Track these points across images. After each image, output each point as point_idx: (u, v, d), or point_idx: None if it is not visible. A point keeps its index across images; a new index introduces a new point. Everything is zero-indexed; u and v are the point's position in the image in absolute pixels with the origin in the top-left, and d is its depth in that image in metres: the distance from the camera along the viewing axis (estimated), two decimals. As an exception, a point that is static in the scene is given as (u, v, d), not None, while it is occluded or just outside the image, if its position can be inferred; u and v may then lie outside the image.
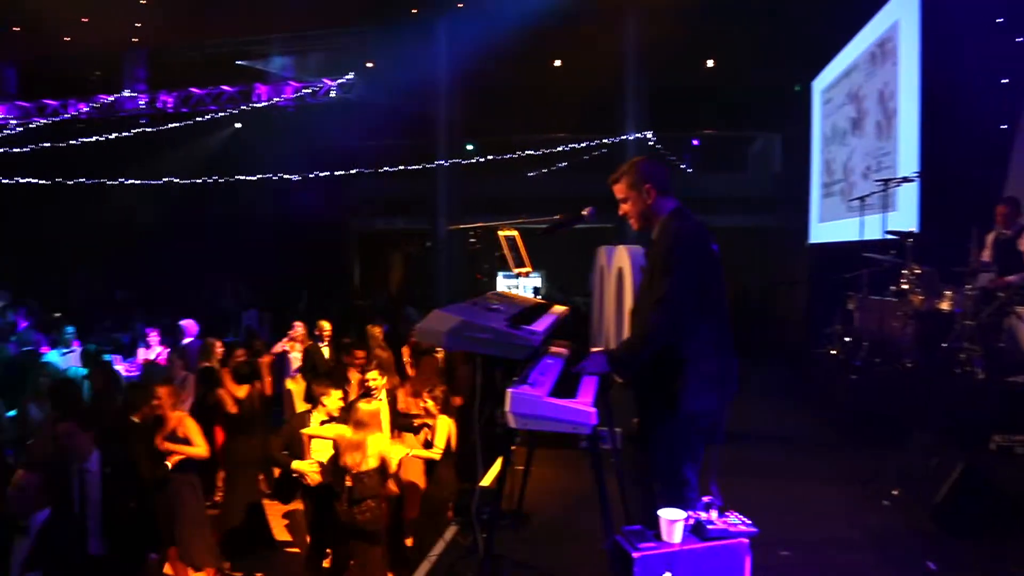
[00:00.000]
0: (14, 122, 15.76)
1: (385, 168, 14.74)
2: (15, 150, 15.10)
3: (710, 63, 14.98)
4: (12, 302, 12.97)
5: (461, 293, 12.87)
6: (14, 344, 8.96)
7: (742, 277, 13.41)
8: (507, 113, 15.51)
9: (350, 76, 14.66)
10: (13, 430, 6.72)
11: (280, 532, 6.86)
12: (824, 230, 12.04)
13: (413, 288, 17.29)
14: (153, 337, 9.15)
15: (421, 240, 17.45)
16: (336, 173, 14.58)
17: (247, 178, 15.02)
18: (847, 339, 7.87)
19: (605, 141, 14.48)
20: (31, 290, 15.47)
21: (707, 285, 3.14)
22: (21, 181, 15.51)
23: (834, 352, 8.09)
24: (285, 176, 14.92)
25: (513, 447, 3.44)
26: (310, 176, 14.65)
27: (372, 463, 5.06)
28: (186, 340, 8.69)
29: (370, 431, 5.10)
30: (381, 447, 5.16)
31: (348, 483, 5.04)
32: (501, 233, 3.61)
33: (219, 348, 7.54)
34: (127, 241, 16.39)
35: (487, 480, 5.66)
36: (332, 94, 14.64)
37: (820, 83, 12.64)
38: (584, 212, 3.63)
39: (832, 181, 11.77)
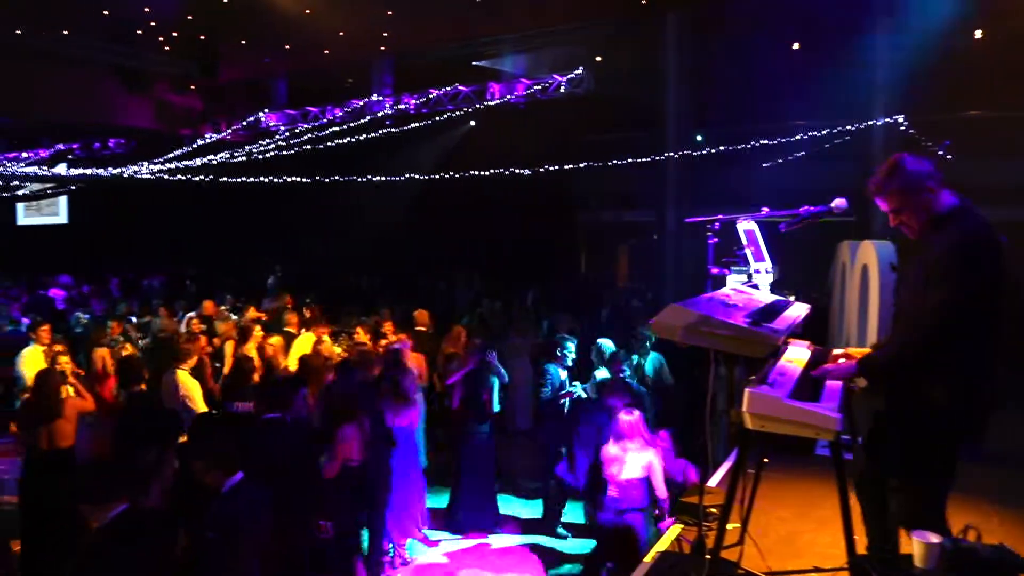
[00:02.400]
0: (283, 128, 17.74)
1: (613, 161, 14.75)
2: (284, 152, 17.00)
3: (978, 33, 13.31)
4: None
5: (688, 287, 12.59)
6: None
7: (1016, 277, 11.81)
8: (738, 101, 14.89)
9: (579, 71, 14.83)
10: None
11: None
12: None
13: (638, 281, 17.19)
14: (388, 325, 9.97)
15: (648, 233, 17.31)
16: (565, 167, 14.83)
17: (480, 173, 15.70)
18: None
19: (848, 127, 13.41)
20: (291, 277, 17.42)
21: (986, 292, 2.80)
22: (287, 180, 17.47)
23: None
24: (516, 171, 15.42)
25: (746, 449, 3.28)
26: (540, 170, 15.02)
27: (636, 472, 5.04)
28: (419, 328, 9.48)
29: (631, 441, 5.08)
30: (646, 455, 5.12)
31: (613, 494, 5.02)
32: (740, 226, 3.47)
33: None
34: (373, 233, 17.88)
35: (714, 480, 5.51)
36: (562, 89, 14.90)
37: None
38: (834, 204, 3.38)
39: None
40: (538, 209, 17.03)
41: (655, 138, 14.79)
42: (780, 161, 14.73)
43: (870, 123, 13.06)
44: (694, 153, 14.47)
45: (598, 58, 15.16)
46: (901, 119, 12.96)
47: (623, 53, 15.19)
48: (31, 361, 7.81)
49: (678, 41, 14.24)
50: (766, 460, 3.91)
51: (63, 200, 25.26)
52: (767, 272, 3.76)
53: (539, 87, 15.07)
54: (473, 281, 16.73)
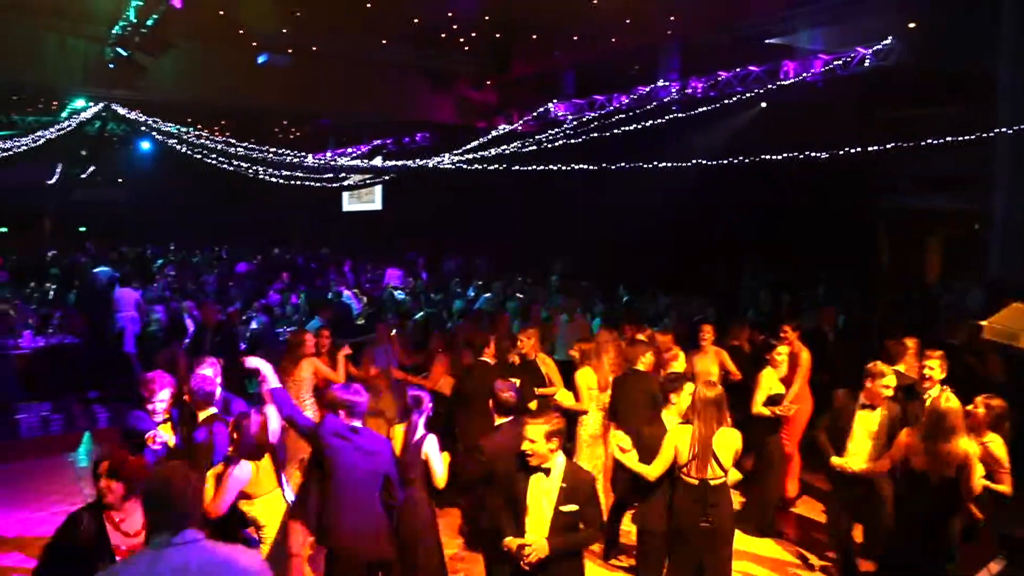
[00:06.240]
0: (571, 117, 18.22)
1: (928, 140, 12.97)
2: (571, 142, 17.47)
3: None
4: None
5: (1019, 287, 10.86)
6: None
7: None
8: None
9: (888, 41, 13.32)
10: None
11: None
12: None
13: (953, 278, 15.15)
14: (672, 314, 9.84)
15: (967, 222, 15.23)
16: (869, 148, 13.41)
17: (772, 157, 14.75)
18: None
19: None
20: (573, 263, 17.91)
21: None
22: (576, 168, 17.94)
23: None
24: (811, 154, 14.28)
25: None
26: (839, 153, 13.77)
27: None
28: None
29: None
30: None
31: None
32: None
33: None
34: (654, 220, 17.69)
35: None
36: (866, 63, 13.51)
37: None
38: None
39: None
40: (833, 194, 15.72)
41: (981, 112, 12.84)
42: None
43: None
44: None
45: (911, 24, 13.50)
46: None
47: (943, 16, 13.38)
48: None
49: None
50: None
51: (378, 189, 28.49)
52: None
53: (839, 62, 13.81)
54: (759, 271, 15.96)
